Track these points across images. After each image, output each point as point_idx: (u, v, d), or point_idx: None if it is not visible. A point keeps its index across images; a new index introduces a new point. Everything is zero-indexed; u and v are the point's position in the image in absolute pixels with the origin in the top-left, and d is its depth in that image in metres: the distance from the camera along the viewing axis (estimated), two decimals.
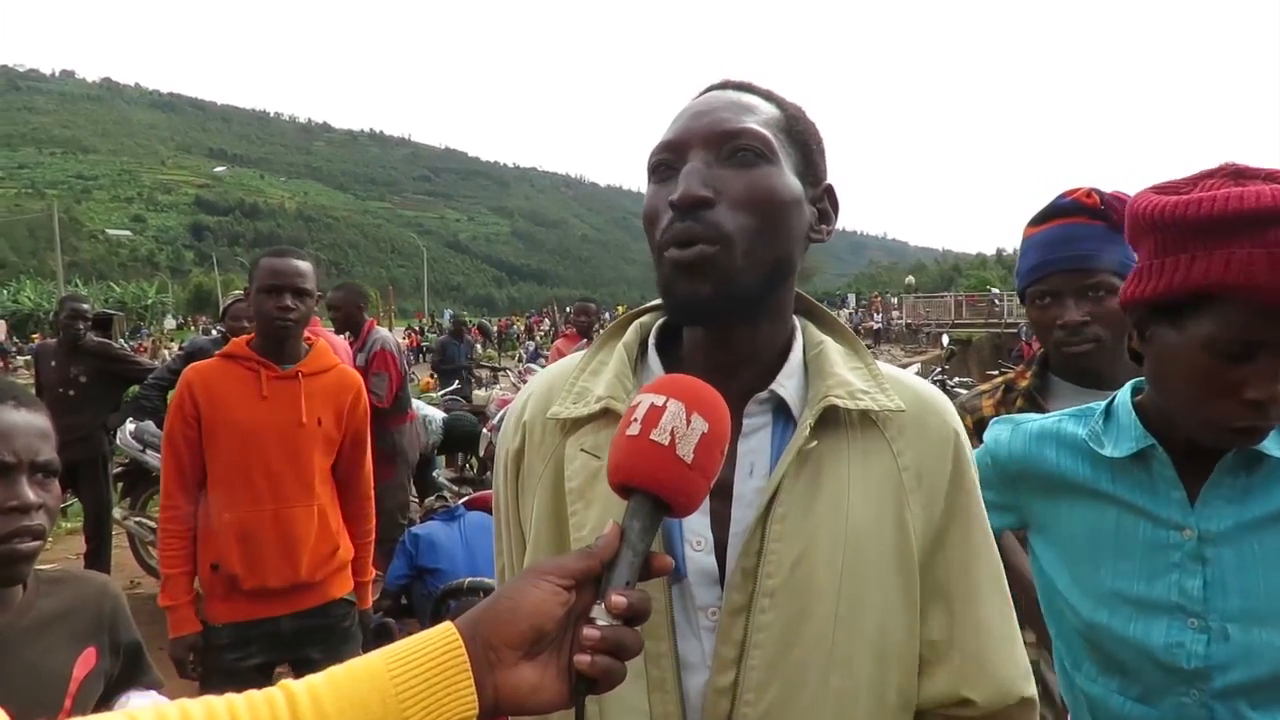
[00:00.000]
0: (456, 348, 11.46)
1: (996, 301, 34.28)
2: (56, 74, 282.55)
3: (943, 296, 41.86)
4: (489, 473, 6.49)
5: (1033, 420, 1.29)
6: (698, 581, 0.85)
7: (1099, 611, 1.15)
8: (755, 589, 0.82)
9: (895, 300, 43.88)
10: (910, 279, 55.66)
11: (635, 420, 0.71)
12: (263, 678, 2.41)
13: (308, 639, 2.45)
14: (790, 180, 0.86)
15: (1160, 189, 1.06)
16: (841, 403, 0.85)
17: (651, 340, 0.95)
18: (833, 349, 0.92)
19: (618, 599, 0.65)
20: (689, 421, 0.70)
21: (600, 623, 0.66)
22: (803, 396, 0.89)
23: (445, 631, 0.64)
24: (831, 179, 0.94)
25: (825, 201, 0.93)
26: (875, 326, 35.56)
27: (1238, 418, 1.00)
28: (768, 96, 0.91)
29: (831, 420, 0.86)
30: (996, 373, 6.78)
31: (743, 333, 0.88)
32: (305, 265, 2.43)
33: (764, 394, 0.88)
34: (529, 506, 0.93)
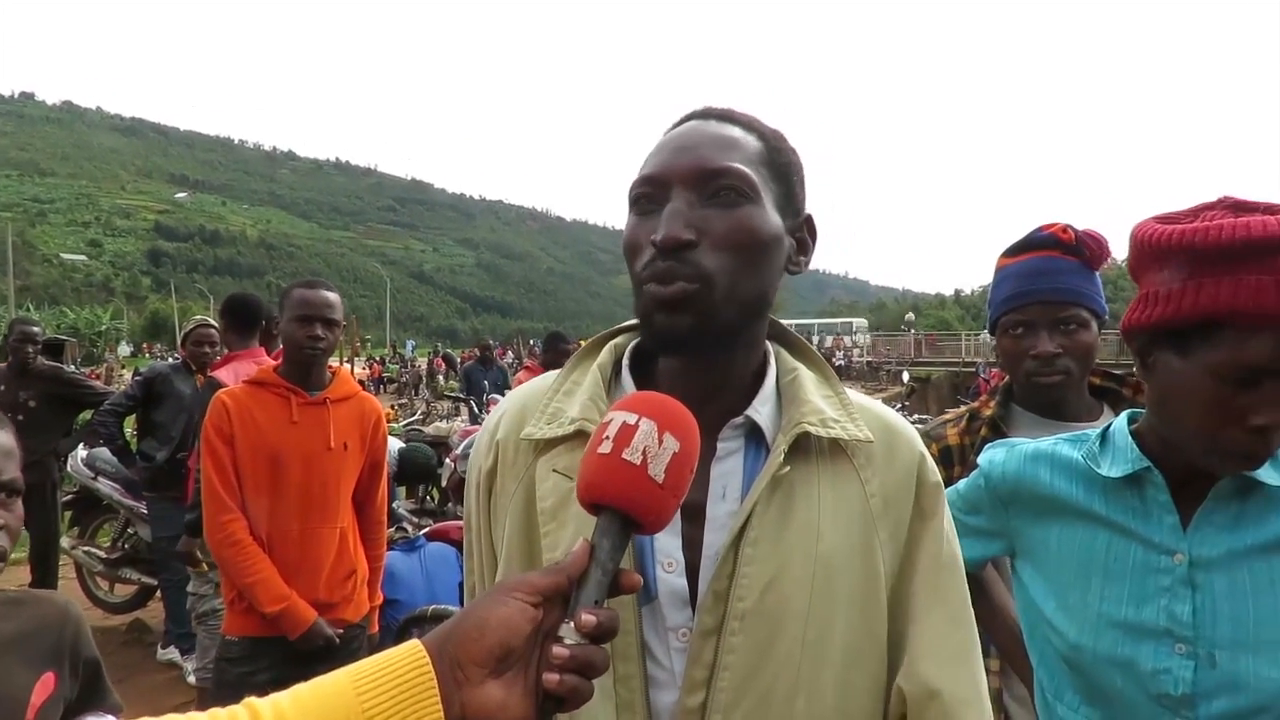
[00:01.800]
0: (483, 374, 9.80)
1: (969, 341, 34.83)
2: (15, 95, 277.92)
3: (903, 335, 42.46)
4: (450, 504, 6.41)
5: (1028, 443, 1.31)
6: (669, 603, 0.85)
7: (1085, 635, 1.15)
8: (726, 611, 0.83)
9: (853, 339, 44.46)
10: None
11: (607, 438, 0.71)
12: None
13: (318, 660, 2.49)
14: (771, 217, 0.87)
15: (1162, 219, 1.09)
16: (814, 430, 0.86)
17: (625, 362, 0.96)
18: (806, 376, 0.93)
19: (587, 617, 0.65)
20: (661, 441, 0.71)
21: (568, 641, 0.65)
22: (776, 422, 0.90)
23: (412, 649, 0.63)
24: (810, 208, 0.95)
25: (804, 231, 0.93)
26: (838, 363, 35.95)
27: (1242, 443, 1.02)
28: (749, 126, 0.90)
29: (804, 447, 0.87)
30: (953, 409, 6.85)
31: (719, 361, 0.89)
32: (334, 296, 2.56)
33: (739, 419, 0.89)
34: (501, 526, 0.93)
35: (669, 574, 0.85)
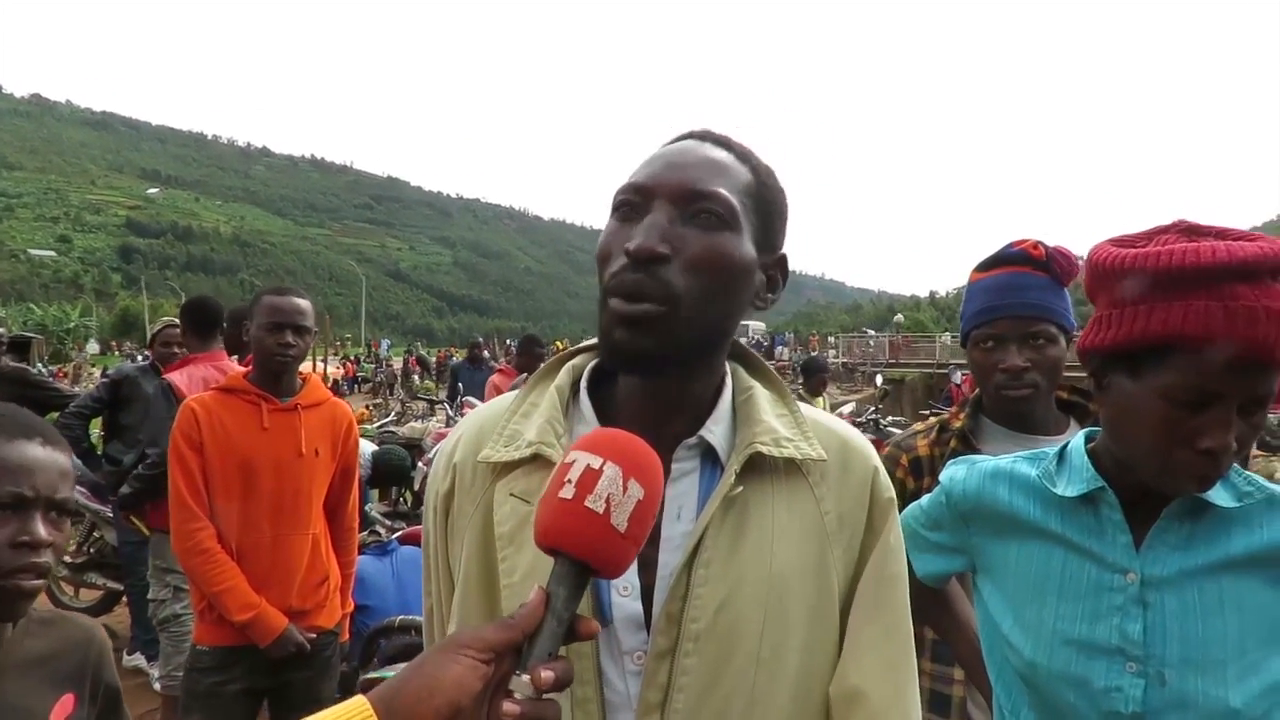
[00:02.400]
0: (471, 375, 8.98)
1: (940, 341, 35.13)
2: None
3: (878, 336, 42.74)
4: (423, 506, 6.36)
5: (988, 460, 1.32)
6: (624, 627, 0.85)
7: (1040, 652, 1.16)
8: (680, 633, 0.83)
9: (832, 339, 44.70)
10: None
11: (569, 482, 0.69)
12: (242, 705, 2.44)
13: (290, 667, 2.47)
14: (747, 248, 0.86)
15: (1117, 242, 1.10)
16: (767, 450, 0.86)
17: (583, 384, 0.95)
18: (761, 395, 0.93)
19: (545, 674, 0.65)
20: (625, 488, 0.69)
21: (519, 695, 0.64)
22: (730, 442, 0.89)
23: (358, 706, 0.63)
24: (786, 248, 0.95)
25: (776, 269, 0.93)
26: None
27: (1193, 465, 1.03)
28: (743, 157, 0.90)
29: (757, 466, 0.87)
30: (928, 412, 6.94)
31: (677, 383, 0.88)
32: (305, 303, 2.53)
33: (692, 440, 0.88)
34: (458, 549, 0.93)
35: (624, 598, 0.85)
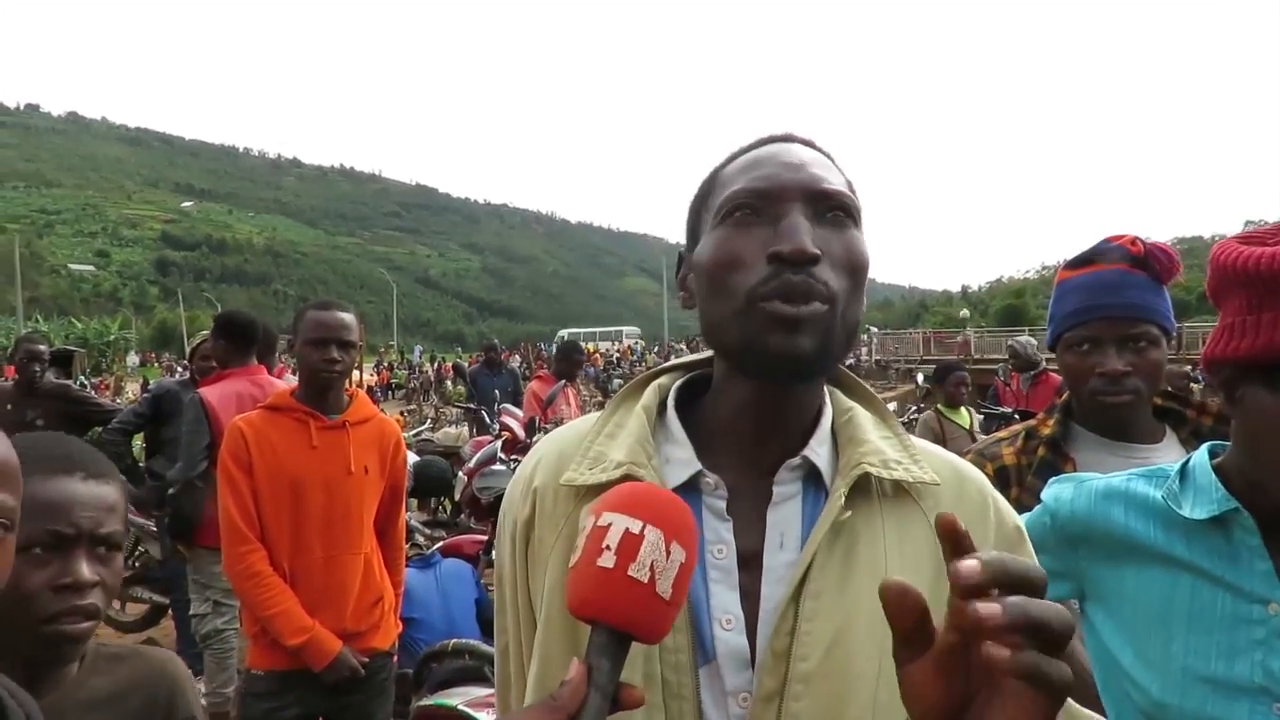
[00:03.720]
0: (491, 379, 8.73)
1: (973, 338, 34.62)
2: (21, 107, 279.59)
3: (910, 333, 42.26)
4: (463, 516, 6.34)
5: (1098, 479, 1.22)
6: (727, 664, 0.78)
7: (1170, 692, 1.06)
8: (788, 673, 0.76)
9: (864, 337, 44.30)
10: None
11: (608, 549, 0.65)
12: None
13: (345, 690, 2.45)
14: (866, 245, 0.84)
15: (1245, 239, 1.01)
16: (875, 471, 0.81)
17: (671, 401, 0.91)
18: (863, 415, 0.89)
19: None
20: (669, 553, 0.65)
21: None
22: (833, 465, 0.84)
23: None
24: None
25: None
26: (849, 361, 35.87)
27: None
28: (832, 158, 0.89)
29: (864, 490, 0.82)
30: (983, 413, 6.79)
31: (799, 395, 0.85)
32: (349, 317, 2.52)
33: (796, 460, 0.83)
34: (540, 581, 0.87)
35: (727, 631, 0.79)
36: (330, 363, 2.43)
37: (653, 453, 0.84)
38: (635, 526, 0.65)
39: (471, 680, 2.58)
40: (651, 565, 0.64)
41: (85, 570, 1.09)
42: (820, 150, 0.89)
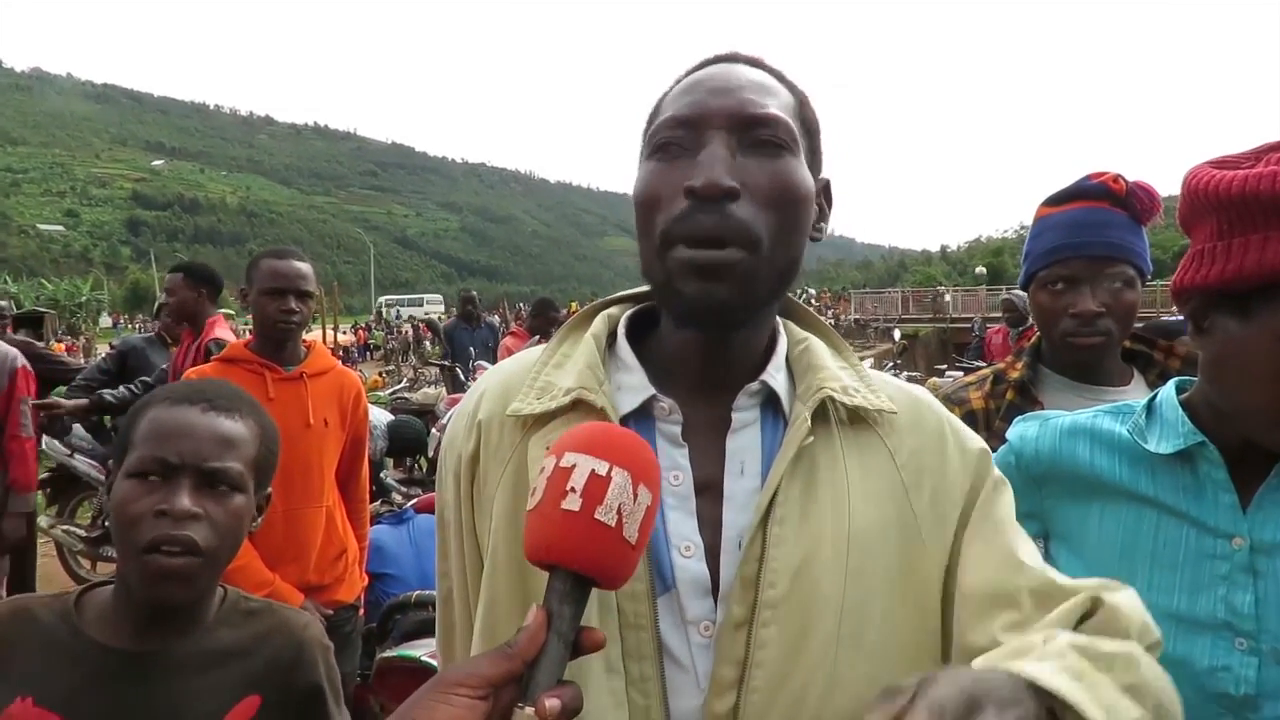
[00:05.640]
0: (469, 334, 8.19)
1: (948, 297, 34.85)
2: None
3: (890, 292, 42.42)
4: (438, 476, 6.30)
5: (1063, 416, 1.20)
6: (688, 593, 0.75)
7: None
8: (757, 599, 0.73)
9: (846, 295, 44.41)
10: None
11: (573, 491, 0.62)
12: None
13: None
14: (806, 174, 0.79)
15: (1218, 164, 0.97)
16: (837, 396, 0.79)
17: (621, 331, 0.87)
18: (819, 345, 0.86)
19: (550, 703, 0.58)
20: (636, 495, 0.63)
21: None
22: (791, 392, 0.82)
23: None
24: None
25: (823, 197, 0.86)
26: (830, 322, 36.03)
27: None
28: (780, 77, 0.83)
29: (823, 417, 0.79)
30: (944, 366, 6.82)
31: (742, 335, 0.81)
32: (306, 267, 2.46)
33: (755, 385, 0.80)
34: (487, 518, 0.83)
35: (687, 559, 0.76)
36: (288, 314, 2.37)
37: (604, 379, 0.81)
38: (601, 468, 0.63)
39: (434, 632, 2.57)
40: (619, 509, 0.62)
41: (185, 499, 1.05)
42: (768, 69, 0.83)
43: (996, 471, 0.85)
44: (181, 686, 1.09)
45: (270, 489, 1.23)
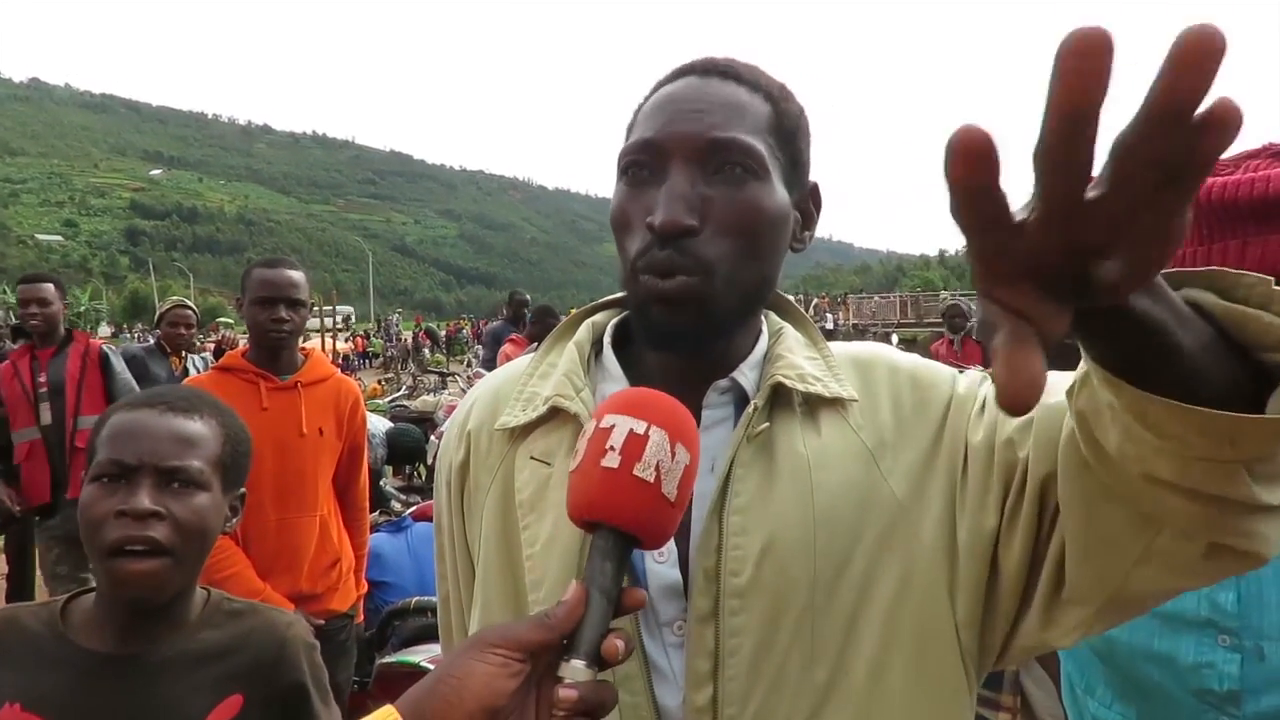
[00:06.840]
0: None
1: (953, 298, 34.91)
2: None
3: (888, 297, 42.46)
4: (435, 484, 6.31)
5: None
6: (660, 597, 0.76)
7: (1118, 628, 1.04)
8: (720, 590, 0.74)
9: (842, 299, 44.39)
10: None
11: (612, 449, 0.63)
12: None
13: None
14: (779, 195, 0.78)
15: None
16: (790, 383, 0.79)
17: (607, 339, 0.87)
18: (790, 335, 0.86)
19: (616, 643, 0.60)
20: (674, 454, 0.64)
21: (570, 680, 0.59)
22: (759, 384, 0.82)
23: (388, 715, 0.59)
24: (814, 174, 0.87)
25: (809, 202, 0.85)
26: (828, 327, 35.97)
27: None
28: (755, 85, 0.80)
29: (785, 403, 0.80)
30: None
31: (719, 346, 0.82)
32: (298, 275, 2.44)
33: (724, 381, 0.81)
34: (477, 524, 0.85)
35: (660, 564, 0.77)
36: (279, 322, 2.37)
37: (581, 385, 0.82)
38: (640, 427, 0.64)
39: (434, 638, 2.59)
40: (657, 465, 0.63)
41: (144, 499, 1.06)
42: (742, 78, 0.81)
43: (962, 383, 0.83)
44: (165, 688, 1.10)
45: (245, 489, 1.24)
